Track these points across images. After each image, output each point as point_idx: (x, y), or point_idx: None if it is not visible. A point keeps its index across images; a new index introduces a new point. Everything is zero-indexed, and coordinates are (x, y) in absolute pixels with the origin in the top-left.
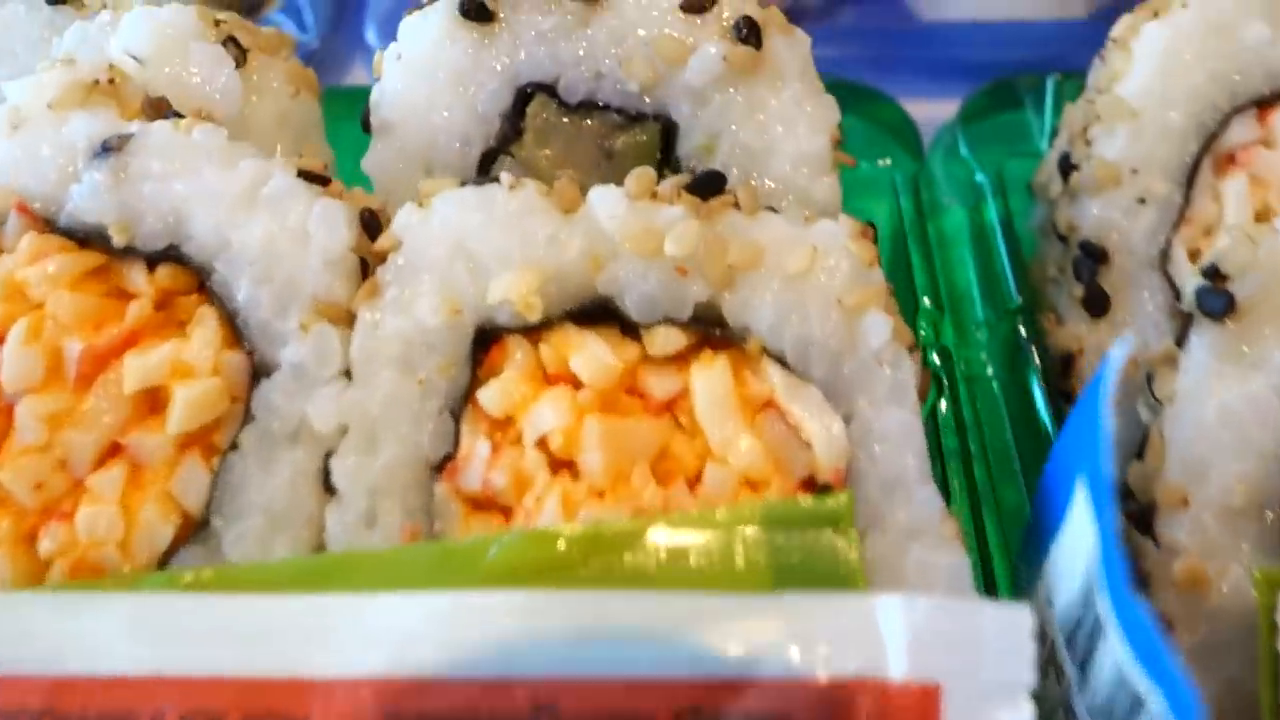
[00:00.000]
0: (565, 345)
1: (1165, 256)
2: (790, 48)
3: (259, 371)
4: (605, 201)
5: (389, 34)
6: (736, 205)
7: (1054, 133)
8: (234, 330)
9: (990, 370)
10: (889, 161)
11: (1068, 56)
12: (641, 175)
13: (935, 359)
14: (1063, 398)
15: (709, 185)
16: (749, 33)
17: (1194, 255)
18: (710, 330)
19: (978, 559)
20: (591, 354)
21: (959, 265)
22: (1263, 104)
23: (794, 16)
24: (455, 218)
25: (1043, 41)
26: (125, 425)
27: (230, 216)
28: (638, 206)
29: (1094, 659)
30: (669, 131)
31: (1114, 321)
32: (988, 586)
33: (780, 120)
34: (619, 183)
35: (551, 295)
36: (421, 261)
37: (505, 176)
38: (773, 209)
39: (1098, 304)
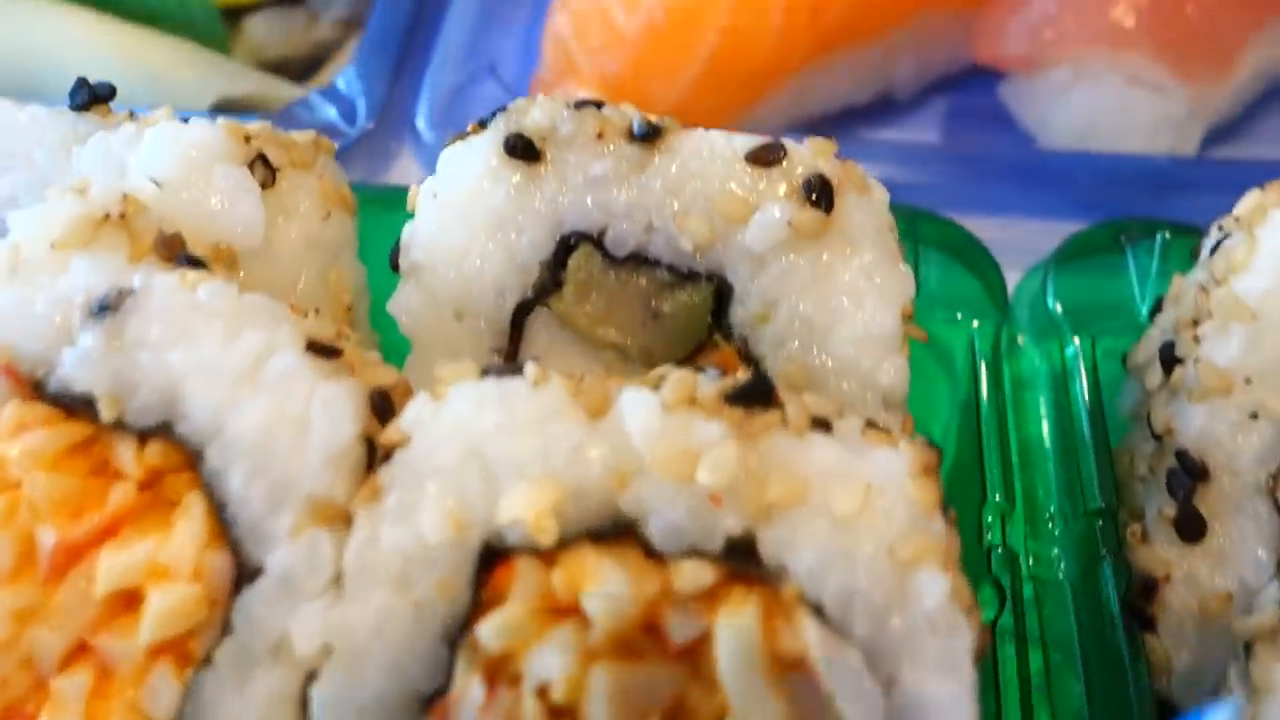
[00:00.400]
0: (580, 573)
1: (1277, 482)
2: (865, 210)
3: (243, 575)
4: (636, 410)
5: (441, 124)
6: (784, 420)
7: (1157, 304)
8: (221, 525)
9: (1061, 573)
10: (966, 320)
11: (1171, 199)
12: (680, 382)
13: (999, 563)
14: (1139, 621)
15: (755, 395)
16: (820, 194)
17: None
18: (742, 566)
19: None
20: (607, 591)
21: (1036, 449)
22: None
23: (879, 106)
24: (470, 417)
25: (1147, 178)
26: (96, 624)
27: (228, 396)
28: (673, 418)
29: None
30: (722, 294)
31: (1210, 549)
32: None
33: (847, 293)
34: (664, 346)
35: (569, 514)
36: (429, 465)
37: (529, 369)
38: (825, 423)
39: (1192, 528)
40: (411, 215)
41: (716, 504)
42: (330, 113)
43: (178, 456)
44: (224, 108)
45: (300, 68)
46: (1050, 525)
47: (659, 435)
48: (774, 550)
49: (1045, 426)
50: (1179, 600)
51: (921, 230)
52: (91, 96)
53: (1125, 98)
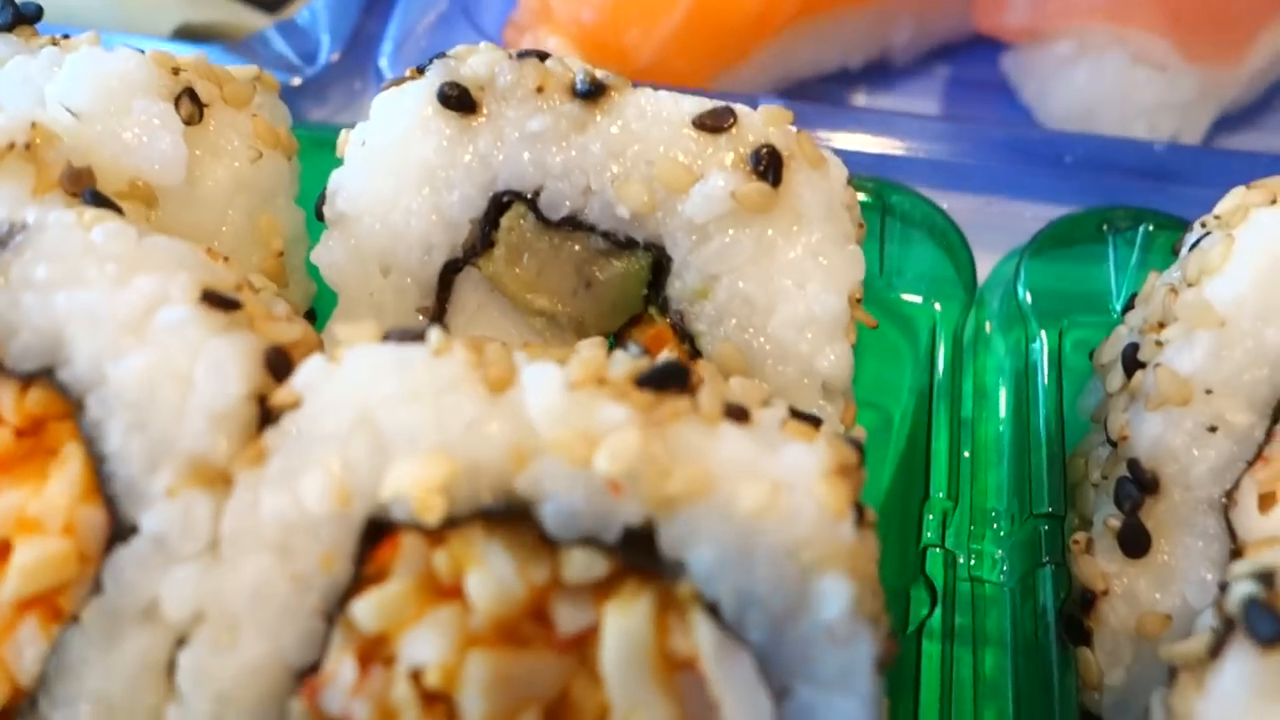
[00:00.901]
0: (466, 554)
1: (1230, 500)
2: (816, 186)
3: (118, 533)
4: (539, 387)
5: (406, 65)
6: (695, 407)
7: (1130, 301)
8: (98, 479)
9: (1002, 576)
10: (931, 303)
11: (1171, 189)
12: (589, 360)
13: (934, 562)
14: (1074, 633)
15: (667, 379)
16: (768, 165)
17: (1267, 502)
18: (638, 559)
19: None
20: (491, 573)
21: (991, 445)
22: None
23: (874, 72)
24: (365, 381)
25: (1145, 165)
26: None
27: (112, 345)
28: (577, 398)
29: None
30: (660, 265)
31: (1153, 566)
32: None
33: (790, 272)
34: (596, 316)
35: (461, 491)
36: (318, 429)
37: (432, 336)
38: (742, 412)
39: (1136, 542)
40: (341, 162)
41: (615, 492)
42: (286, 48)
43: (59, 405)
44: (185, 35)
45: None
46: (995, 526)
47: (560, 415)
48: (673, 545)
49: (1004, 425)
50: (1117, 616)
51: (892, 203)
52: (16, 16)
53: (1129, 77)
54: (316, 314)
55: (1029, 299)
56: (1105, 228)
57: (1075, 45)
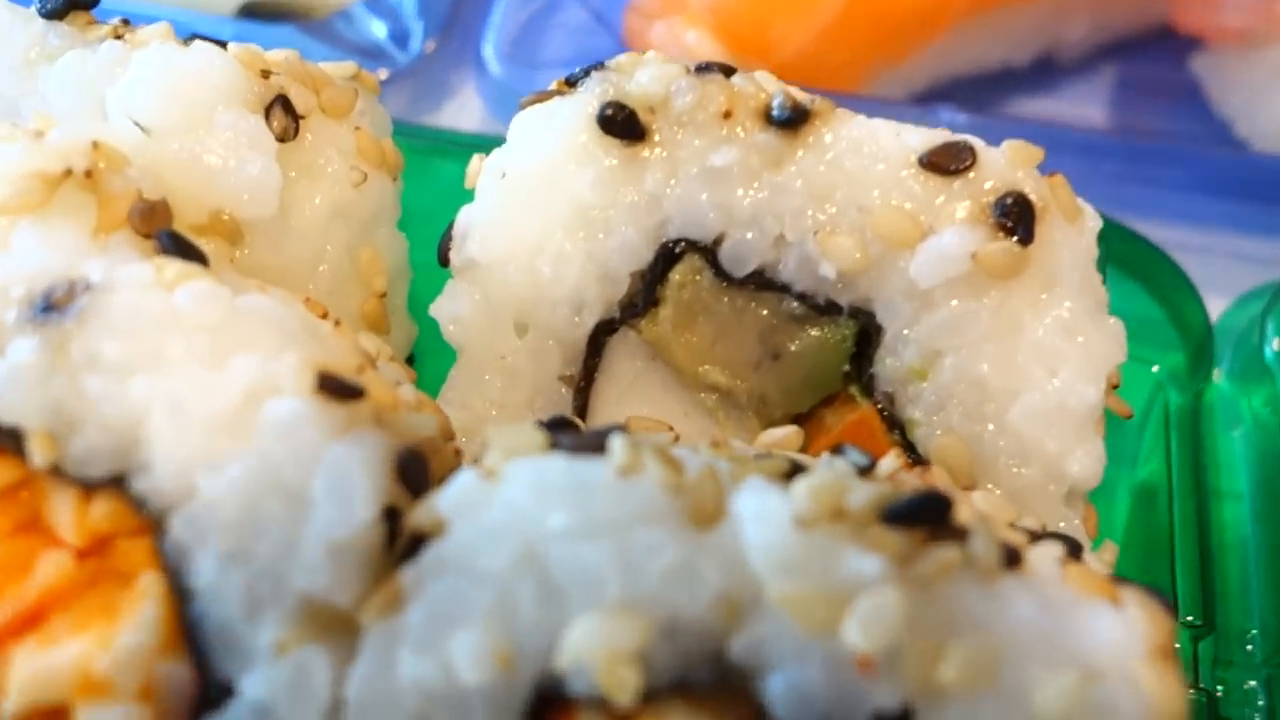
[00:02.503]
0: None
1: None
2: (1072, 245)
3: (208, 697)
4: (760, 520)
5: (512, 55)
6: (966, 558)
7: None
8: (183, 624)
9: (1260, 715)
10: (1148, 364)
11: None
12: (824, 488)
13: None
14: None
15: (926, 512)
16: (1018, 220)
17: None
18: None
19: None
20: None
21: (1234, 543)
22: None
23: (1037, 71)
24: (531, 509)
25: None
26: None
27: (205, 448)
28: (814, 541)
29: None
30: (867, 336)
31: None
32: None
33: (1037, 353)
34: (783, 394)
35: (657, 657)
36: (471, 568)
37: (617, 447)
38: (1014, 555)
39: None
40: (471, 194)
41: (867, 670)
42: (379, 30)
43: (133, 520)
44: (251, 11)
45: None
46: (1249, 651)
47: (792, 561)
48: None
49: (1250, 510)
50: None
51: (1104, 245)
52: (70, 1)
53: None
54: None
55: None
56: None
57: None
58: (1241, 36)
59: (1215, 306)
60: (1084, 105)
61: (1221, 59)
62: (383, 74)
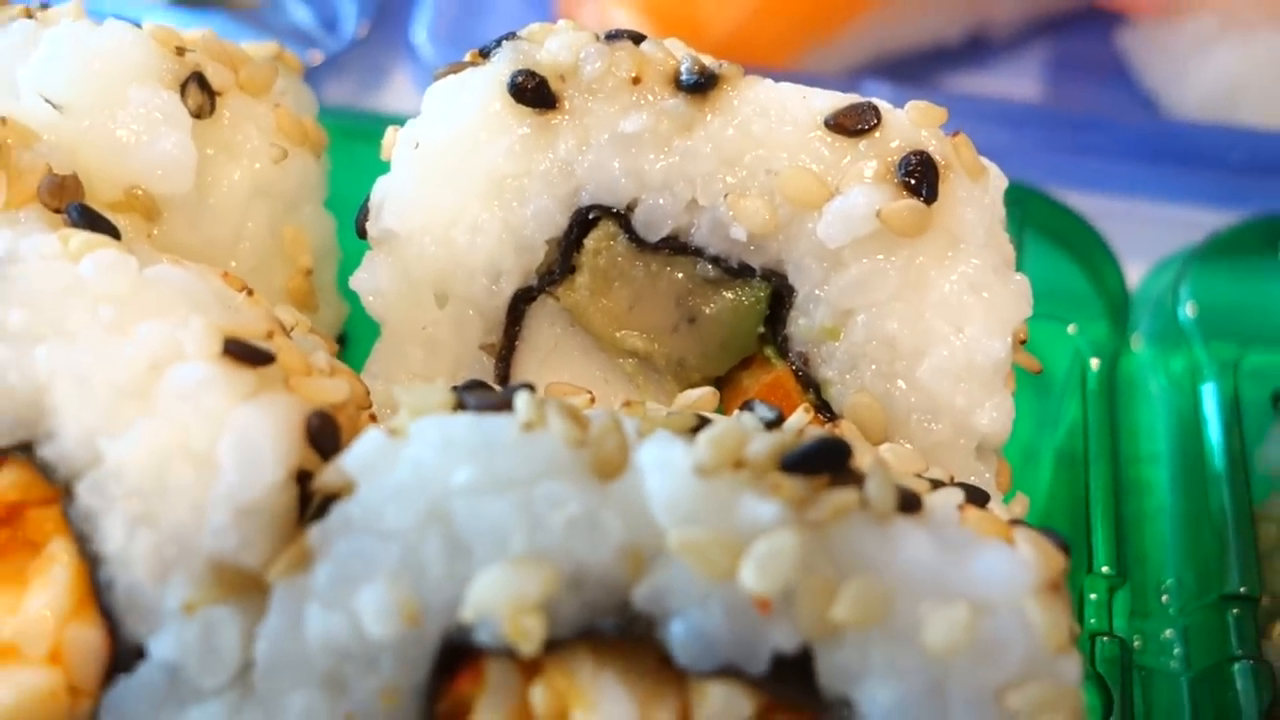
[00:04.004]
0: (570, 689)
1: None
2: (976, 202)
3: (119, 659)
4: (662, 471)
5: (446, 38)
6: (862, 500)
7: None
8: (93, 588)
9: (1176, 663)
10: (1064, 324)
11: None
12: (725, 436)
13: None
14: None
15: (824, 459)
16: (921, 178)
17: None
18: (789, 693)
19: None
20: (605, 715)
21: (1151, 502)
22: None
23: (969, 49)
24: (437, 466)
25: None
26: None
27: (111, 415)
28: (713, 489)
29: None
30: (780, 298)
31: None
32: None
33: (945, 309)
34: (700, 357)
35: (562, 607)
36: (377, 525)
37: (521, 402)
38: (913, 500)
39: None
40: (387, 166)
41: (764, 610)
42: (306, 17)
43: (41, 488)
44: (182, 1)
45: None
46: (1164, 602)
47: (691, 510)
48: (837, 677)
49: (1166, 471)
50: None
51: (1028, 212)
52: None
53: None
54: (348, 338)
55: (1193, 320)
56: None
57: (1218, 21)
58: (1162, 10)
59: (1140, 271)
60: (1015, 81)
61: (1145, 33)
62: (316, 59)
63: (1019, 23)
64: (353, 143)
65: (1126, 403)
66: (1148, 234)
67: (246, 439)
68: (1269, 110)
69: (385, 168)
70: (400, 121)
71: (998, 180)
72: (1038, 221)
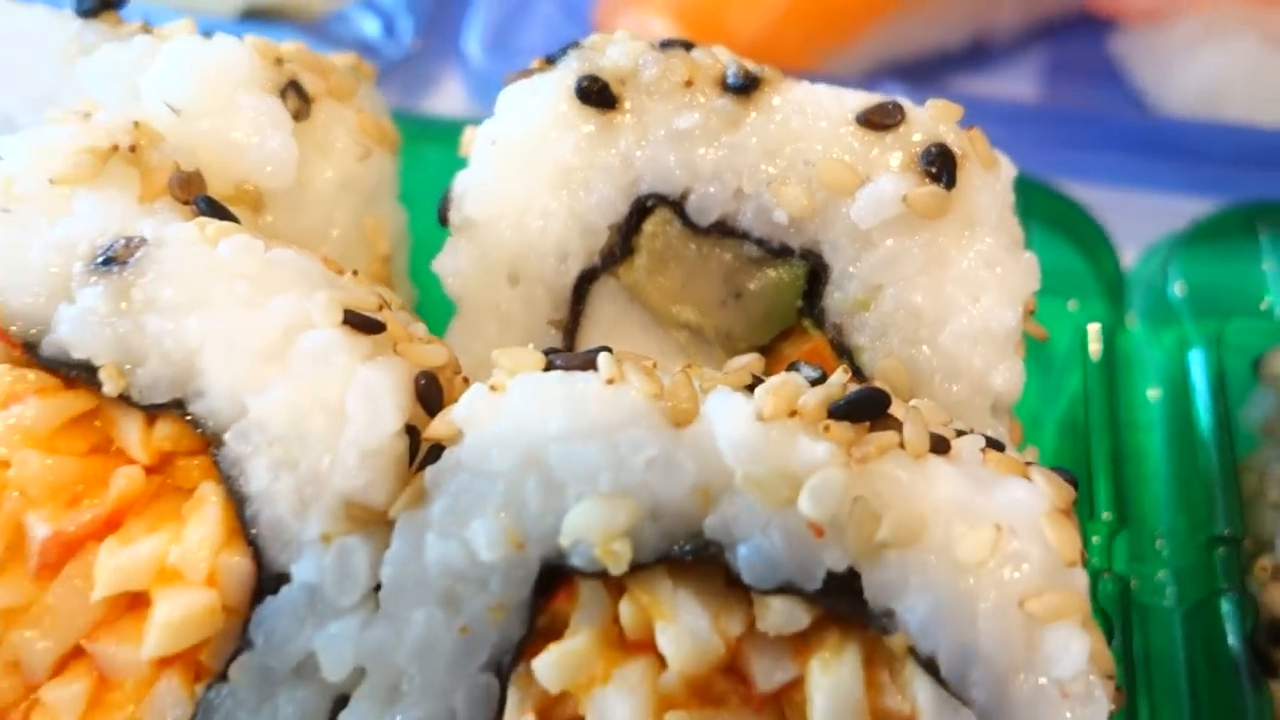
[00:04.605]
0: (653, 604)
1: None
2: (989, 188)
3: (265, 583)
4: (728, 418)
5: (493, 46)
6: (900, 441)
7: None
8: (240, 523)
9: (1169, 600)
10: (1064, 302)
11: None
12: (781, 388)
13: (1107, 591)
14: (1265, 667)
15: (867, 409)
16: (941, 167)
17: None
18: (841, 607)
19: None
20: (684, 626)
21: (1145, 457)
22: None
23: (971, 54)
24: (533, 417)
25: None
26: (94, 628)
27: (252, 375)
28: (771, 433)
29: None
30: (816, 275)
31: None
32: None
33: (963, 283)
34: (746, 329)
35: (644, 535)
36: (483, 467)
37: (604, 364)
38: (943, 443)
39: None
40: (465, 161)
41: (818, 535)
42: (371, 28)
43: (192, 439)
44: (253, 15)
45: None
46: (1159, 547)
47: (754, 451)
48: (881, 592)
49: (1160, 433)
50: None
51: (1031, 202)
52: (101, 1)
53: (1262, 60)
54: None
55: (1182, 298)
56: (1258, 225)
57: (1200, 26)
58: (1150, 15)
59: (1134, 255)
60: (1014, 82)
61: (1135, 37)
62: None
63: (1018, 28)
64: (408, 143)
65: (1124, 373)
66: (1140, 221)
67: (370, 392)
68: (1249, 107)
69: (441, 165)
70: (453, 124)
71: (1008, 169)
72: (1040, 210)
